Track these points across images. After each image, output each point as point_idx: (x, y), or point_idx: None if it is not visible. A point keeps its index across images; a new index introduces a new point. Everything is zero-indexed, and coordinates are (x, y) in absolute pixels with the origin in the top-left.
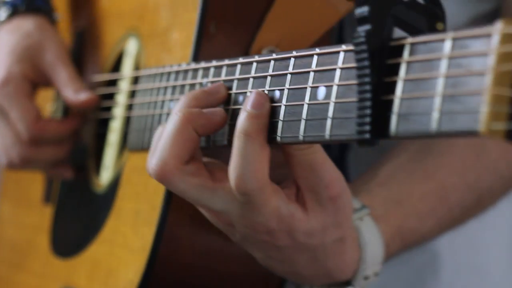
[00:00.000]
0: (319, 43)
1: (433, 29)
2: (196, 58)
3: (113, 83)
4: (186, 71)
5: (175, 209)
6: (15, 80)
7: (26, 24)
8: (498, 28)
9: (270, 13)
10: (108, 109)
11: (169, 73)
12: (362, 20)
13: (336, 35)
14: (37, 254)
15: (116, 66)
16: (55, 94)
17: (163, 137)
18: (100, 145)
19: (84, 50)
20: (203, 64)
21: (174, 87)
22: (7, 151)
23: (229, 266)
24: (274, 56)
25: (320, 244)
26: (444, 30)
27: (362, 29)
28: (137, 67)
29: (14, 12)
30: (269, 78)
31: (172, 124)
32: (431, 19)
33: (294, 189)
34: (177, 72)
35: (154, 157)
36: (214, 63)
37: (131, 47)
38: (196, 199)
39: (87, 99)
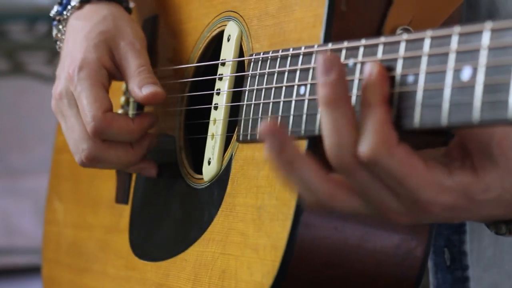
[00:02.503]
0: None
1: None
2: (328, 37)
3: (206, 72)
4: (321, 52)
5: None
6: (91, 66)
7: (101, 10)
8: None
9: None
10: (200, 99)
11: (297, 55)
12: None
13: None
14: (113, 257)
15: (208, 54)
16: (125, 85)
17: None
18: (192, 137)
19: (157, 38)
20: (345, 44)
21: (305, 70)
22: (77, 147)
23: (364, 264)
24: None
25: (501, 190)
26: None
27: None
28: (240, 52)
29: None
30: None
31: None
32: None
33: (455, 156)
34: (308, 54)
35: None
36: (363, 41)
37: (231, 31)
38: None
39: (150, 93)
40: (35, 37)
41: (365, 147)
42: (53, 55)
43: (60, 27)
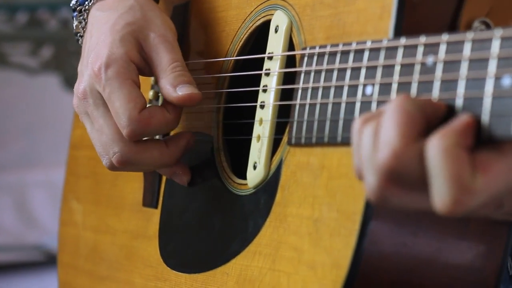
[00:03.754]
0: None
1: None
2: (398, 31)
3: (248, 66)
4: (392, 48)
5: (379, 215)
6: (119, 62)
7: (126, 0)
8: None
9: None
10: (239, 97)
11: (362, 50)
12: None
13: None
14: (140, 265)
15: (251, 46)
16: (152, 93)
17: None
18: (231, 137)
19: (188, 27)
20: (423, 39)
21: (372, 68)
22: (106, 150)
23: (436, 280)
24: None
25: None
26: None
27: None
28: (291, 45)
29: None
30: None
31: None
32: None
33: None
34: (375, 50)
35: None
36: (444, 36)
37: (280, 21)
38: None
39: (186, 95)
40: (15, 28)
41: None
42: (37, 46)
43: (82, 18)
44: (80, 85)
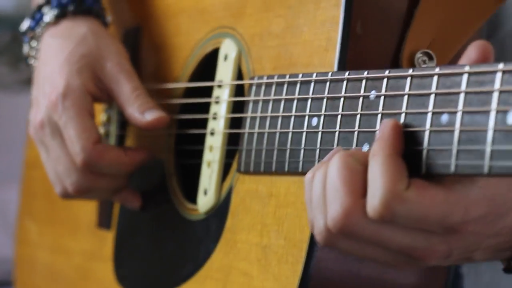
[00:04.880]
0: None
1: None
2: (342, 63)
3: (196, 93)
4: (337, 81)
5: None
6: (76, 93)
7: (79, 28)
8: None
9: (419, 8)
10: (191, 122)
11: (308, 82)
12: None
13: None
14: (95, 286)
15: (199, 73)
16: (106, 116)
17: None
18: (182, 162)
19: (139, 52)
20: (366, 74)
21: (318, 100)
22: (61, 178)
23: None
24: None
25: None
26: None
27: None
28: (239, 74)
29: (62, 13)
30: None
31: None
32: None
33: None
34: (322, 82)
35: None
36: (387, 72)
37: (229, 49)
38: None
39: (155, 119)
40: None
41: (374, 203)
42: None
43: (33, 44)
44: (38, 115)
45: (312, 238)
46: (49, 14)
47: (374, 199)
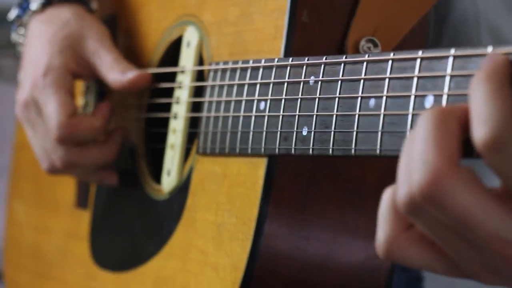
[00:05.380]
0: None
1: None
2: (289, 50)
3: (165, 77)
4: (282, 67)
5: (273, 222)
6: (56, 71)
7: (63, 13)
8: None
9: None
10: (161, 106)
11: (257, 68)
12: None
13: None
14: (73, 264)
15: (167, 59)
16: (85, 87)
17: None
18: (152, 145)
19: (116, 39)
20: (306, 60)
21: (266, 85)
22: (48, 154)
23: (329, 280)
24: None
25: None
26: None
27: None
28: (200, 60)
29: (48, 1)
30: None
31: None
32: None
33: None
34: (268, 68)
35: (416, 172)
36: (323, 59)
37: (191, 37)
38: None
39: (136, 77)
40: None
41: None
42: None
43: (21, 31)
44: (22, 94)
45: (260, 216)
46: (35, 2)
47: (485, 125)
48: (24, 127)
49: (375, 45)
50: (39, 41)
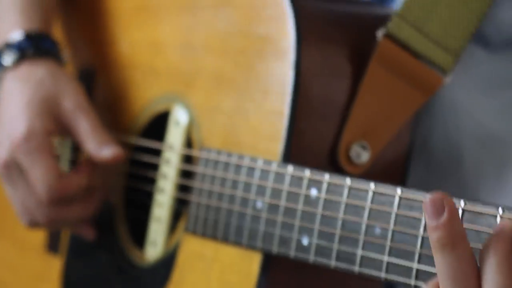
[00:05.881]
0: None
1: None
2: (286, 155)
3: (147, 148)
4: (281, 174)
5: None
6: (39, 137)
7: (37, 71)
8: None
9: (355, 106)
10: (143, 176)
11: (252, 168)
12: None
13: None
14: None
15: (151, 130)
16: (59, 139)
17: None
18: (132, 211)
19: (92, 95)
20: (308, 173)
21: (262, 188)
22: (31, 212)
23: None
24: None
25: None
26: None
27: None
28: (189, 142)
29: (22, 56)
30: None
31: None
32: None
33: None
34: (266, 171)
35: None
36: (327, 177)
37: (180, 116)
38: None
39: (112, 155)
40: None
41: None
42: None
43: None
44: (1, 154)
45: None
46: (8, 57)
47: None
48: (4, 185)
49: (365, 148)
50: (15, 101)
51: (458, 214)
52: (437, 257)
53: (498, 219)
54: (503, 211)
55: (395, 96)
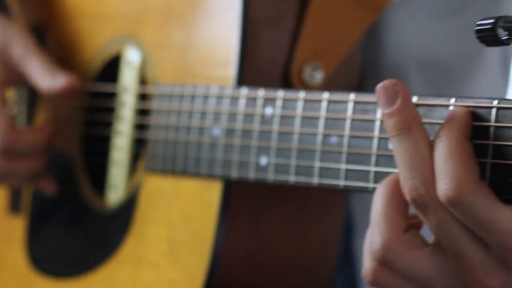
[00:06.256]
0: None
1: None
2: (240, 80)
3: (103, 93)
4: (235, 98)
5: (228, 240)
6: None
7: None
8: None
9: (305, 27)
10: (99, 117)
11: (206, 97)
12: None
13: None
14: (8, 269)
15: (105, 74)
16: (16, 96)
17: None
18: (91, 159)
19: (45, 48)
20: (262, 93)
21: (218, 114)
22: None
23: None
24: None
25: None
26: None
27: None
28: (143, 80)
29: None
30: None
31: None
32: None
33: None
34: (221, 98)
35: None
36: (281, 93)
37: (132, 55)
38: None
39: (66, 83)
40: None
41: (445, 184)
42: None
43: None
44: None
45: (217, 234)
46: None
47: (446, 180)
48: None
49: (317, 69)
50: None
51: (411, 99)
52: (394, 144)
53: (451, 108)
54: (455, 100)
55: (344, 16)
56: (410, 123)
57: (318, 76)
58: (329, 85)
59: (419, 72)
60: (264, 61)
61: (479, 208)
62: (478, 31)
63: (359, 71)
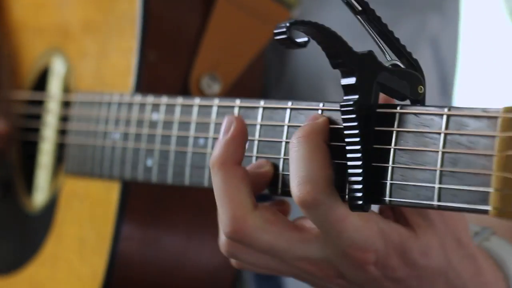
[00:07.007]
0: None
1: (415, 93)
2: (139, 88)
3: (38, 101)
4: (130, 104)
5: (126, 238)
6: None
7: None
8: (500, 112)
9: (205, 40)
10: (33, 128)
11: (109, 104)
12: (349, 89)
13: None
14: None
15: (40, 84)
16: None
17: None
18: (29, 164)
19: None
20: (150, 100)
21: (117, 120)
22: None
23: (178, 283)
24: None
25: (447, 264)
26: (424, 93)
27: (350, 98)
28: (66, 88)
29: None
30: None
31: None
32: (412, 83)
33: (390, 212)
34: (120, 104)
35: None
36: (165, 99)
37: (58, 66)
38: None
39: None
40: None
41: (303, 188)
42: None
43: None
44: None
45: (116, 233)
46: None
47: (300, 186)
48: None
49: (215, 79)
50: None
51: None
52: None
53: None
54: (323, 104)
55: (244, 31)
56: (225, 159)
57: (216, 86)
58: (229, 96)
59: (335, 89)
60: (164, 71)
61: (334, 210)
62: (275, 34)
63: (261, 84)
